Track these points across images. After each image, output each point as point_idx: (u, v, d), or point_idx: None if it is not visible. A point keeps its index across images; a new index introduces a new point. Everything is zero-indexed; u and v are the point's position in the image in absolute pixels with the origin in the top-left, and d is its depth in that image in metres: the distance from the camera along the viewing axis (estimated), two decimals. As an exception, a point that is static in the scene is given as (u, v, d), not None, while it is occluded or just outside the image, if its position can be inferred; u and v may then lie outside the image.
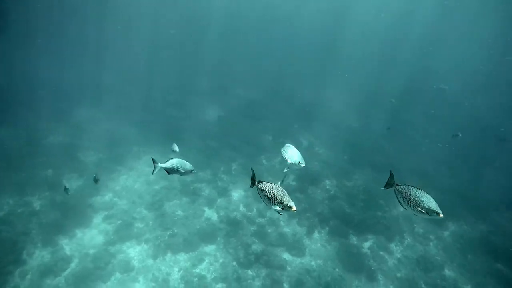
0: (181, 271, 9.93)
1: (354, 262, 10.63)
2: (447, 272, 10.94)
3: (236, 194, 13.27)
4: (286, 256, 10.69)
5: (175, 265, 10.13)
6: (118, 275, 9.54)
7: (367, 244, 11.45)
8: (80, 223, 11.03)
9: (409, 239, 11.92)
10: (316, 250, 11.01)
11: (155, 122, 18.65)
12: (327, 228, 11.83)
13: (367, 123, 22.02)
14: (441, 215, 3.27)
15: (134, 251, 10.37)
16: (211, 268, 10.09)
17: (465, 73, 31.41)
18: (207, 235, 11.05)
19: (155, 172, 5.96)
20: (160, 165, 5.87)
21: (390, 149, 18.32)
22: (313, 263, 10.64)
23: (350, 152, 16.92)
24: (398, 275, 10.60)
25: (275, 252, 10.69)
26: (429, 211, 3.32)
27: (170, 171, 5.83)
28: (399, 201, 3.53)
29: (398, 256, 11.33)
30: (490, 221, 13.30)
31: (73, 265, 9.62)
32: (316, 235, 11.62)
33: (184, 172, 5.82)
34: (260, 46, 42.09)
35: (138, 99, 21.87)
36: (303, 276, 10.02)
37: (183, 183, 13.25)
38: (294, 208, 3.76)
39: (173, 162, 5.80)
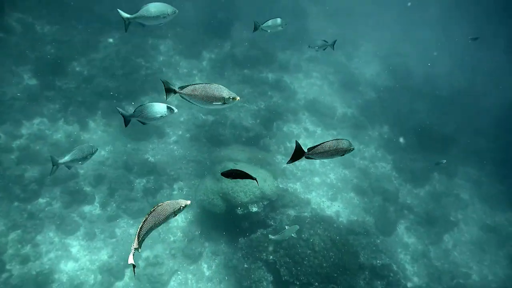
0: None
1: (140, 130, 10.63)
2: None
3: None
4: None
5: None
6: None
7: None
8: None
9: (178, 84, 12.55)
10: (100, 139, 10.32)
11: None
12: (99, 112, 10.89)
13: None
14: (353, 148, 3.56)
15: None
16: None
17: None
18: None
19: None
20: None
21: None
22: (103, 152, 10.12)
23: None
24: (182, 118, 11.52)
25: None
26: (346, 151, 3.50)
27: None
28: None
29: (176, 102, 12.00)
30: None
31: None
32: (91, 124, 10.64)
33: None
34: None
35: None
36: (101, 169, 9.57)
37: None
38: (238, 98, 3.31)
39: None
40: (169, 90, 3.22)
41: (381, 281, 8.55)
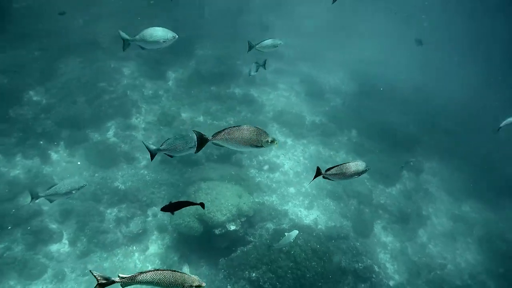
0: None
1: (108, 157, 10.32)
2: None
3: None
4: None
5: None
6: None
7: (110, 133, 11.10)
8: None
9: (144, 106, 12.31)
10: (65, 171, 9.84)
11: None
12: (62, 143, 10.43)
13: None
14: (368, 168, 3.80)
15: None
16: None
17: None
18: None
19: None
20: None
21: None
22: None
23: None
24: (151, 141, 11.28)
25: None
26: (361, 172, 3.70)
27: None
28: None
29: (143, 126, 11.76)
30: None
31: None
32: (54, 156, 10.14)
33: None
34: None
35: None
36: (67, 203, 9.08)
37: None
38: (276, 142, 3.13)
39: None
40: (202, 142, 2.98)
41: (364, 283, 8.67)
